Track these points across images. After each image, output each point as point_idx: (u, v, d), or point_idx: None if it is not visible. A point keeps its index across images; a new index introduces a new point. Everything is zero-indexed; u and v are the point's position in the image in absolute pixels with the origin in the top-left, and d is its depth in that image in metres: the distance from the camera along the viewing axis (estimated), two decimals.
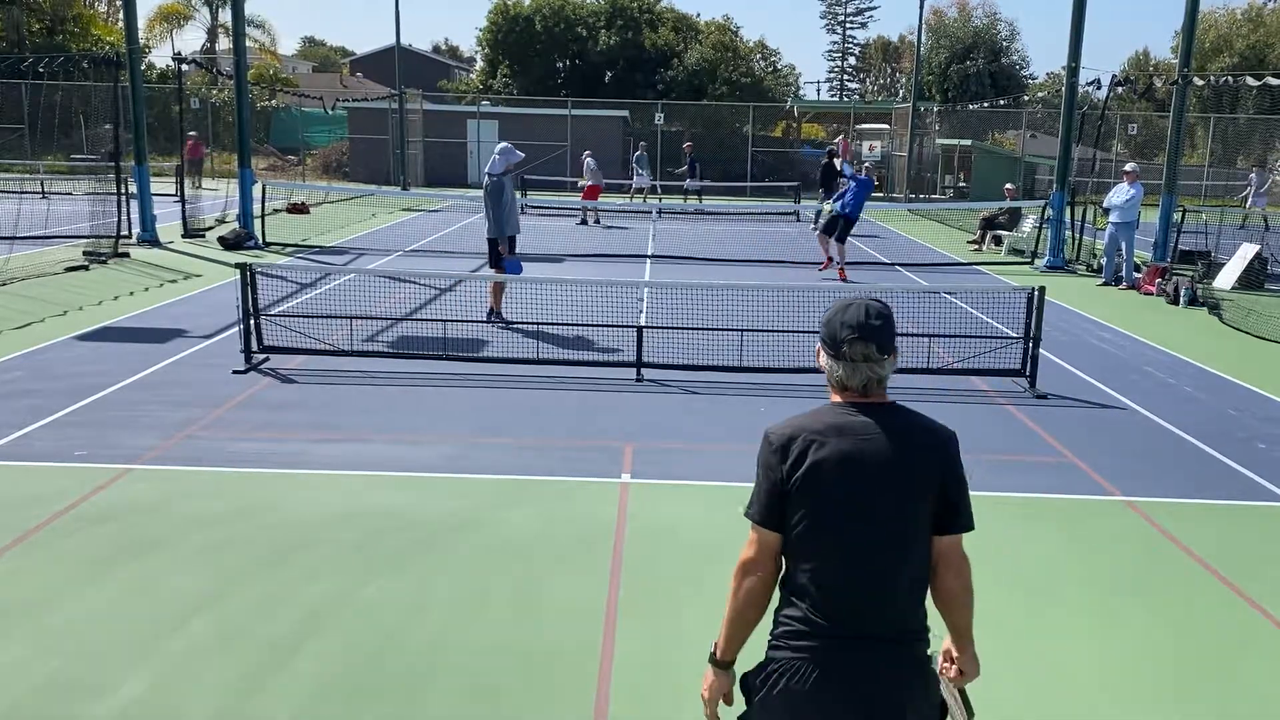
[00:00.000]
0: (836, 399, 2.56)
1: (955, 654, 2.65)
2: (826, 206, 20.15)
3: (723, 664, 2.56)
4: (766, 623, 2.57)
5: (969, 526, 2.52)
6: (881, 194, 35.70)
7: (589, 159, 24.56)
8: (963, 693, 2.68)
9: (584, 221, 23.96)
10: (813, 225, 22.18)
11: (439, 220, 24.10)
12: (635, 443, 7.37)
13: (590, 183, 23.87)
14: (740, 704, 2.59)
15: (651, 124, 37.81)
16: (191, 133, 23.06)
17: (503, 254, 11.11)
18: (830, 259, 15.41)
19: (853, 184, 15.56)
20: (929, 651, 2.55)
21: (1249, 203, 26.22)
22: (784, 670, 2.44)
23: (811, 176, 41.29)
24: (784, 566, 2.52)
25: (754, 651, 2.57)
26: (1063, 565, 5.53)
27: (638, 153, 31.68)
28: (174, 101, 24.10)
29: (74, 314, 11.38)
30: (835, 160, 21.35)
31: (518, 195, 11.77)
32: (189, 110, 24.37)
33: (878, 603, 2.43)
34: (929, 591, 2.54)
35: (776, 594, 2.55)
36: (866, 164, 16.81)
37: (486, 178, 11.24)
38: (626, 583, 5.13)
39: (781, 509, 2.45)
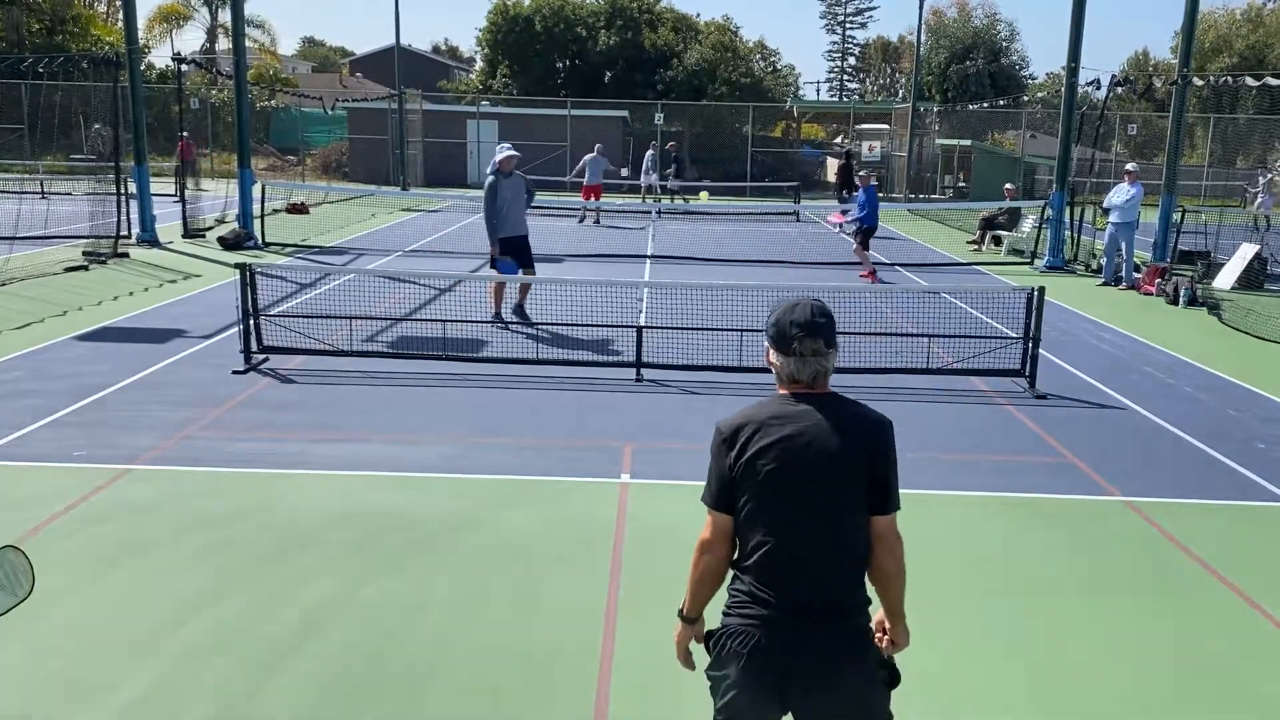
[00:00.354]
0: (783, 391, 2.76)
1: (888, 626, 2.80)
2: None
3: (688, 620, 2.86)
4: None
5: (897, 506, 2.70)
6: (882, 194, 35.68)
7: (593, 157, 23.96)
8: (891, 662, 2.81)
9: (583, 220, 23.88)
10: (838, 228, 22.11)
11: (438, 220, 24.10)
12: (635, 443, 7.37)
13: (591, 182, 23.57)
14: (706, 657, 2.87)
15: (651, 124, 37.82)
16: (183, 133, 22.95)
17: (493, 256, 11.12)
18: (872, 270, 15.89)
19: (861, 195, 16.04)
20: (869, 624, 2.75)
21: (1257, 204, 26.16)
22: (733, 634, 2.67)
23: (813, 176, 41.41)
24: (736, 544, 2.74)
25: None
26: (1063, 565, 5.53)
27: (650, 152, 31.83)
28: (174, 102, 24.09)
29: (74, 314, 11.38)
30: (853, 160, 21.71)
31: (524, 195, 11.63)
32: (189, 110, 24.36)
33: (814, 578, 2.62)
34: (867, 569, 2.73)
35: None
36: (862, 173, 16.75)
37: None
38: (626, 583, 5.13)
39: (731, 493, 2.69)
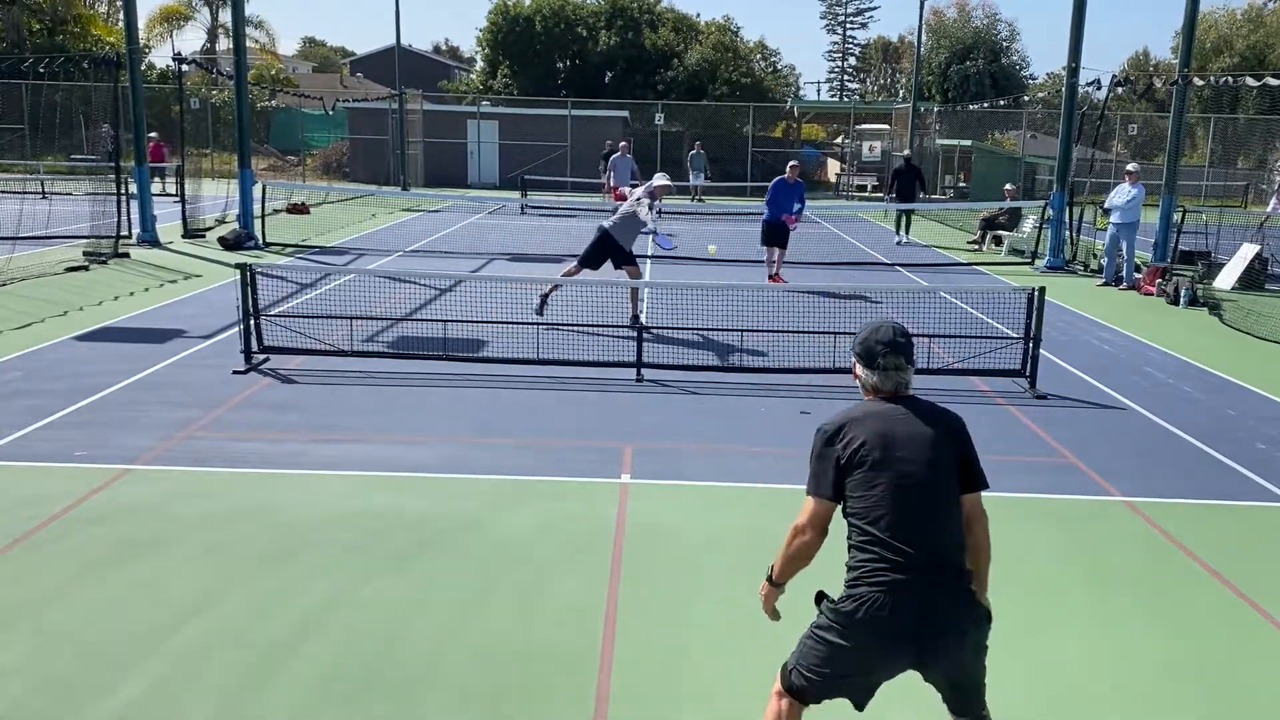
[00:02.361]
0: (869, 397, 3.25)
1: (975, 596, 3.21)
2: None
3: (778, 584, 3.31)
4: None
5: (985, 484, 3.23)
6: (881, 194, 35.69)
7: (617, 159, 23.24)
8: None
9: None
10: (900, 240, 21.14)
11: (439, 220, 24.10)
12: (635, 443, 7.37)
13: (620, 184, 22.63)
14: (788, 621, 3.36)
15: (652, 124, 37.83)
16: (152, 134, 22.80)
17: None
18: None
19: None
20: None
21: (1270, 207, 26.10)
22: (865, 601, 3.00)
23: (816, 176, 41.39)
24: (849, 528, 3.11)
25: None
26: (1063, 565, 5.53)
27: (693, 151, 32.22)
28: (174, 102, 24.09)
29: (74, 314, 11.38)
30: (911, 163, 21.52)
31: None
32: (189, 110, 24.31)
33: (930, 546, 3.02)
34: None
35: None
36: (793, 163, 15.32)
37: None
38: (626, 583, 5.13)
39: (838, 481, 3.09)
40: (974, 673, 3.16)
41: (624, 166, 23.12)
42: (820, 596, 3.17)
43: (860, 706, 3.20)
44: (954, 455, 3.13)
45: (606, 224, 11.51)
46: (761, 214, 15.06)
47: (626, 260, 11.49)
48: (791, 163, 15.33)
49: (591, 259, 11.46)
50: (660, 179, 12.08)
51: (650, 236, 11.86)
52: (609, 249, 11.38)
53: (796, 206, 14.55)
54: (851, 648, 3.04)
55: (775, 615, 3.37)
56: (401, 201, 28.28)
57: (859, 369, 3.29)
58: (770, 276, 14.58)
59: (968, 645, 3.10)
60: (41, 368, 9.03)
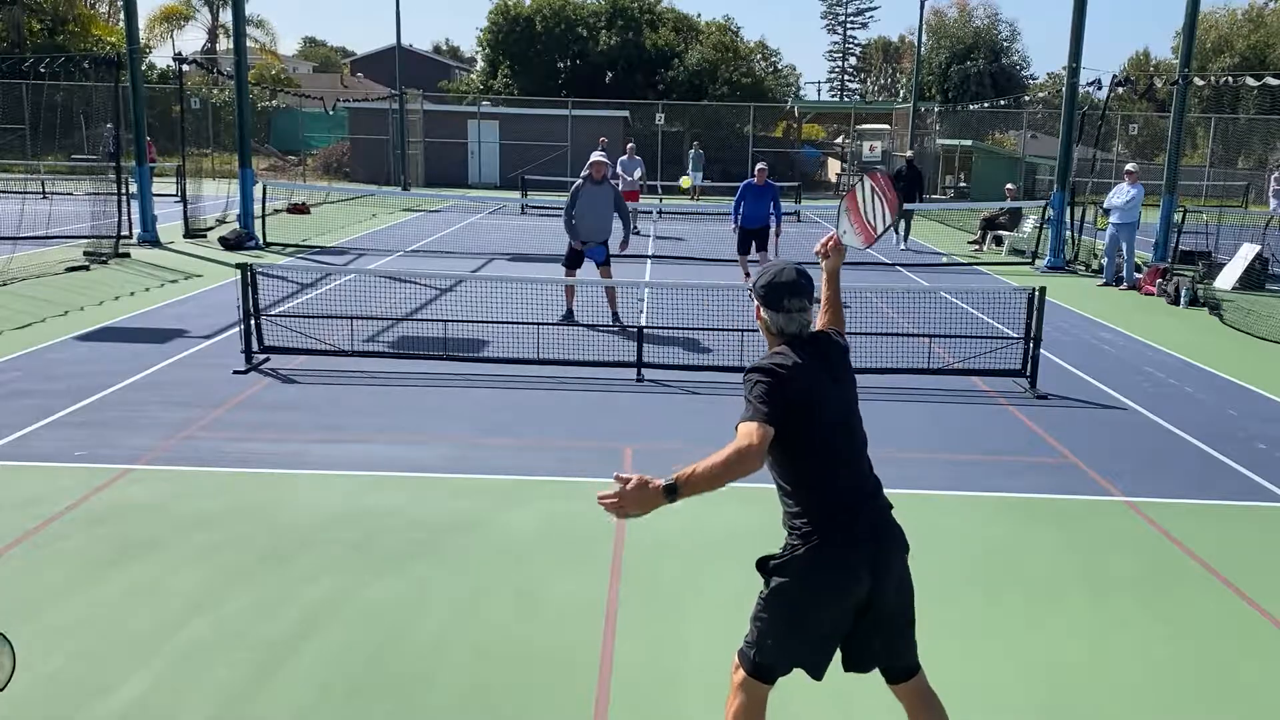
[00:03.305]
0: (780, 345, 3.25)
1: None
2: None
3: (673, 497, 3.04)
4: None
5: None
6: None
7: (625, 159, 22.48)
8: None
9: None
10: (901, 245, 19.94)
11: (439, 220, 24.10)
12: (635, 443, 7.37)
13: (627, 187, 21.66)
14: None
15: (652, 124, 37.84)
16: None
17: (572, 247, 11.46)
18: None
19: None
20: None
21: (1272, 206, 26.10)
22: (818, 543, 3.05)
23: (817, 177, 41.39)
24: (785, 484, 3.17)
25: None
26: (1063, 565, 5.52)
27: (691, 151, 32.35)
28: (174, 102, 24.09)
29: (74, 314, 11.38)
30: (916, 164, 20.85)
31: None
32: (189, 110, 24.31)
33: (863, 471, 3.18)
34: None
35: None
36: (761, 166, 14.17)
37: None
38: (626, 583, 5.13)
39: (782, 419, 3.02)
40: (908, 606, 3.21)
41: (630, 168, 22.59)
42: (764, 561, 3.17)
43: (819, 672, 3.16)
44: (854, 385, 3.31)
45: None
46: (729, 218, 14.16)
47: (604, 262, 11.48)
48: (759, 165, 14.33)
49: (569, 261, 11.56)
50: (596, 155, 11.51)
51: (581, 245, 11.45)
52: (574, 249, 11.42)
53: (772, 217, 13.76)
54: (811, 593, 3.06)
55: (624, 515, 3.14)
56: (402, 201, 28.28)
57: (763, 312, 3.29)
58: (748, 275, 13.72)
59: (903, 568, 3.18)
60: (42, 367, 9.03)
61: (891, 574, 3.12)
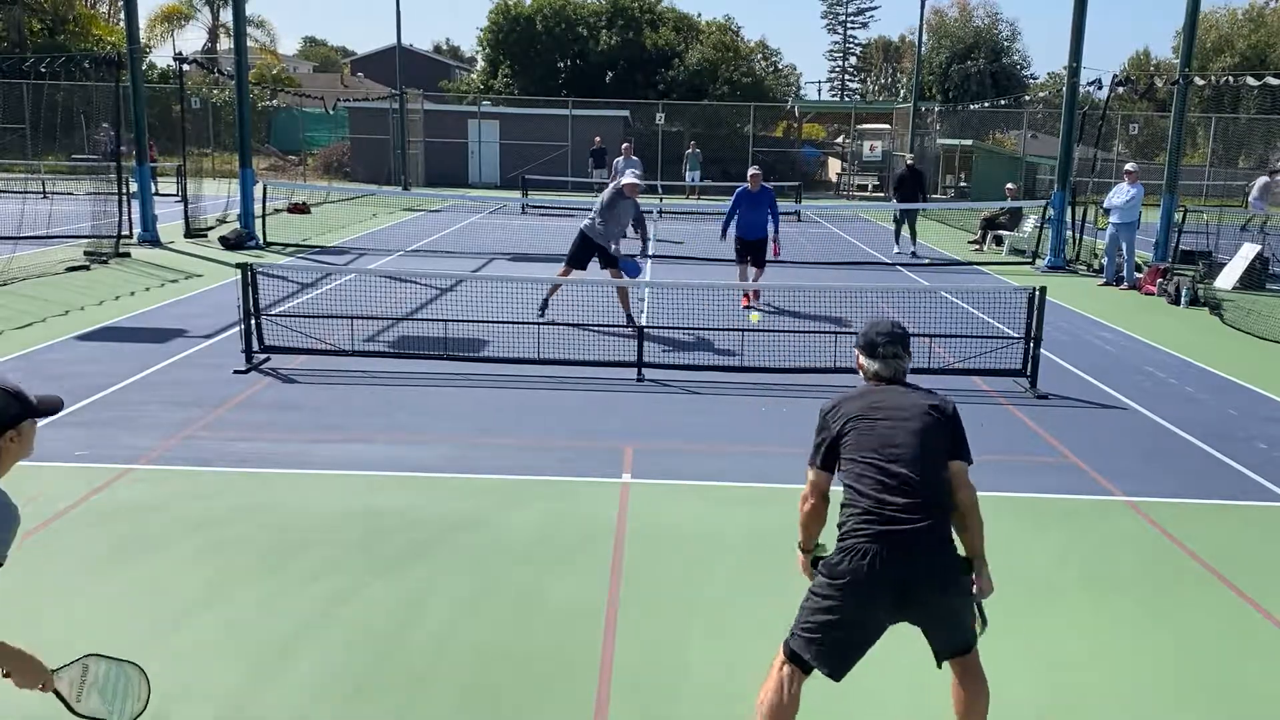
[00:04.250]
0: (862, 387, 3.59)
1: (975, 574, 3.48)
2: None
3: (805, 550, 3.58)
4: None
5: (970, 459, 3.50)
6: (882, 194, 35.70)
7: (620, 161, 21.92)
8: (979, 606, 3.49)
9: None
10: (899, 250, 18.98)
11: (440, 220, 24.11)
12: (636, 443, 7.37)
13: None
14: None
15: (653, 124, 37.84)
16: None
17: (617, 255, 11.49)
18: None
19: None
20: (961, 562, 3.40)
21: (1250, 206, 26.16)
22: (851, 552, 3.28)
23: (817, 177, 41.38)
24: (845, 484, 3.40)
25: None
26: (1063, 565, 5.52)
27: (689, 151, 32.28)
28: (175, 101, 24.09)
29: (75, 314, 11.38)
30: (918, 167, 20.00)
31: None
32: (190, 110, 24.31)
33: (910, 500, 3.28)
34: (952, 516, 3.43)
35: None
36: (754, 170, 13.04)
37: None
38: (627, 583, 5.13)
39: (830, 454, 3.46)
40: (955, 610, 3.39)
41: (627, 169, 22.69)
42: (817, 560, 3.47)
43: (838, 674, 3.34)
44: (940, 428, 3.43)
45: (584, 224, 11.51)
46: (721, 226, 13.01)
47: (609, 262, 11.46)
48: (752, 170, 12.98)
49: (575, 259, 11.53)
50: (629, 176, 11.40)
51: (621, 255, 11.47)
52: (591, 249, 11.40)
53: (770, 226, 12.55)
54: (839, 598, 3.28)
55: (813, 575, 3.52)
56: (402, 201, 28.28)
57: (862, 359, 3.66)
58: (745, 295, 12.42)
59: (942, 590, 3.31)
60: (43, 367, 9.03)
61: (925, 601, 3.31)
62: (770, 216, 12.61)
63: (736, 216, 12.59)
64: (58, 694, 2.87)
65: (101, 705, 2.89)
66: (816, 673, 3.38)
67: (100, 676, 2.94)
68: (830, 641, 3.31)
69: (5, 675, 2.76)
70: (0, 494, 2.71)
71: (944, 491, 3.38)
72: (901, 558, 3.24)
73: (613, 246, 11.46)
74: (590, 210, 11.58)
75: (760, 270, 12.77)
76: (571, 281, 11.36)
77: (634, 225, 11.69)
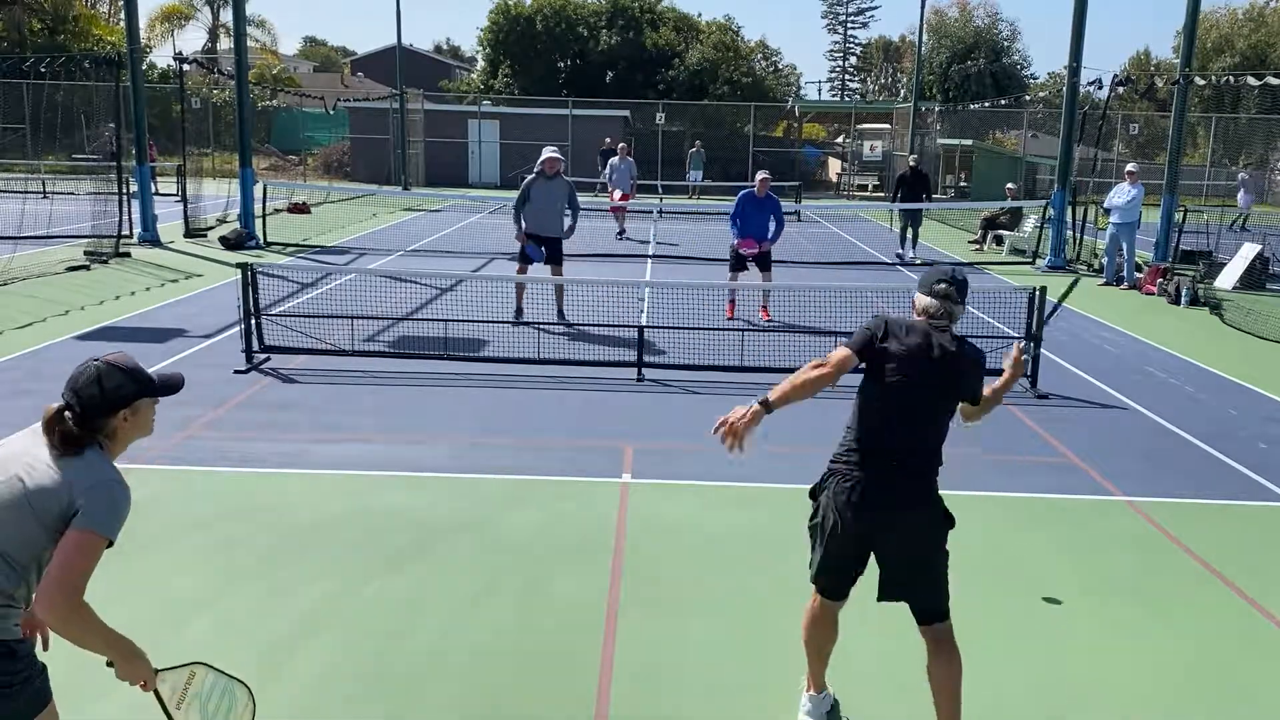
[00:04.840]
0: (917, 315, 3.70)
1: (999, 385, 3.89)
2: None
3: (769, 408, 3.49)
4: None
5: (979, 401, 3.78)
6: (882, 194, 35.70)
7: (615, 162, 21.06)
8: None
9: (621, 233, 20.61)
10: (903, 254, 18.45)
11: (440, 220, 24.10)
12: (636, 443, 7.37)
13: (621, 190, 20.67)
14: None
15: (653, 124, 37.83)
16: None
17: (519, 239, 11.30)
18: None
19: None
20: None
21: (1239, 203, 26.24)
22: (837, 475, 3.57)
23: (818, 177, 41.37)
24: (855, 405, 3.63)
25: None
26: (1063, 565, 5.52)
27: (693, 150, 32.20)
28: (175, 101, 24.09)
29: (75, 314, 11.38)
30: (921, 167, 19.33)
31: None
32: (190, 110, 24.32)
33: (905, 441, 3.53)
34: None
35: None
36: (763, 175, 12.16)
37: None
38: (627, 583, 5.13)
39: (864, 352, 3.57)
40: (930, 555, 3.58)
41: (624, 170, 20.96)
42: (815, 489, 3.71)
43: (831, 594, 3.72)
44: (960, 381, 3.64)
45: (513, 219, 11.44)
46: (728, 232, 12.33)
47: (552, 255, 11.36)
48: (761, 175, 12.20)
49: (521, 255, 11.40)
50: (547, 151, 11.26)
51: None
52: (534, 241, 11.24)
53: (772, 228, 11.95)
54: (828, 520, 3.57)
55: (738, 440, 3.47)
56: (402, 201, 28.28)
57: (919, 297, 3.74)
58: (731, 304, 12.02)
59: (922, 525, 3.54)
60: (43, 367, 9.03)
61: (894, 529, 3.54)
62: (774, 226, 11.99)
63: (740, 221, 11.97)
64: (157, 695, 2.77)
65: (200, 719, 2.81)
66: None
67: (206, 688, 2.84)
68: (825, 564, 3.66)
69: (109, 664, 2.71)
70: (115, 474, 2.67)
71: (939, 441, 3.65)
72: (883, 487, 3.49)
73: (562, 236, 11.31)
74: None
75: (767, 272, 12.12)
76: (572, 282, 11.36)
77: (568, 207, 11.36)
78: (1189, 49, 16.95)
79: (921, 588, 3.59)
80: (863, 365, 3.59)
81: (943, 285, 3.67)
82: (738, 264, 12.08)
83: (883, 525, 3.53)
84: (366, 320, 10.54)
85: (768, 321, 11.43)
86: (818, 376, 3.51)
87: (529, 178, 11.29)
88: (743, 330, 10.08)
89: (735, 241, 11.93)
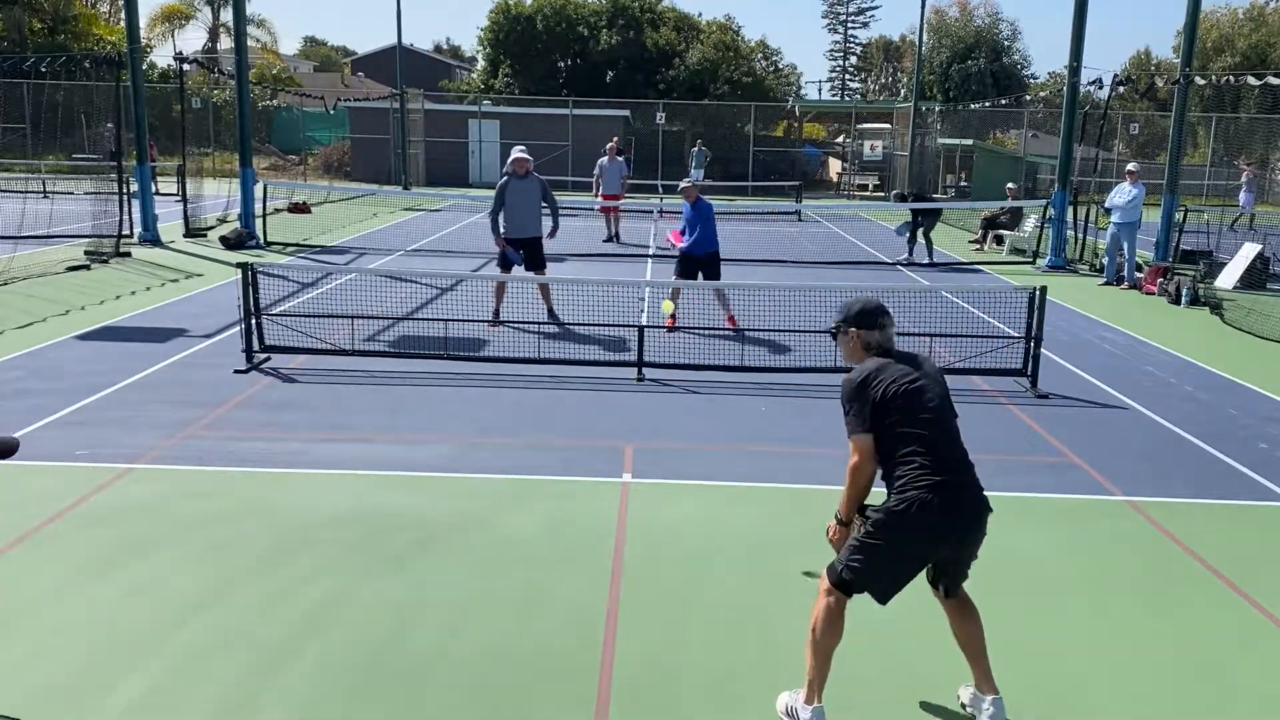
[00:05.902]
0: (871, 356, 3.96)
1: None
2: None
3: (847, 522, 3.92)
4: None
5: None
6: (883, 194, 35.69)
7: (605, 162, 20.17)
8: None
9: (611, 238, 19.91)
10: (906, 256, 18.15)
11: (440, 220, 24.11)
12: (636, 443, 7.36)
13: (609, 191, 20.03)
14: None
15: (653, 124, 37.82)
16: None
17: (499, 245, 11.23)
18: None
19: (689, 210, 11.48)
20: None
21: (1241, 203, 26.23)
22: (915, 501, 3.70)
23: (818, 176, 41.34)
24: (890, 452, 3.78)
25: None
26: (1063, 565, 5.52)
27: (694, 148, 32.05)
28: (175, 101, 24.09)
29: (75, 313, 11.38)
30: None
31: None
32: (190, 110, 24.31)
33: (955, 454, 3.82)
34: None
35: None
36: (685, 184, 11.61)
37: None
38: (627, 583, 5.13)
39: (874, 418, 3.79)
40: (972, 556, 3.94)
41: (614, 172, 20.04)
42: (863, 508, 3.86)
43: (886, 599, 3.85)
44: (947, 389, 3.96)
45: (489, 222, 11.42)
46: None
47: (533, 260, 11.35)
48: (683, 184, 11.58)
49: (501, 260, 11.38)
50: (516, 151, 11.21)
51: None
52: (511, 245, 11.22)
53: (698, 227, 11.14)
54: (903, 540, 3.74)
55: (846, 536, 3.92)
56: (403, 201, 28.28)
57: (858, 333, 4.00)
58: (671, 318, 11.02)
59: (983, 530, 3.87)
60: (43, 367, 9.03)
61: (972, 539, 3.85)
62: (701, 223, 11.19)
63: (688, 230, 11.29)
64: None
65: None
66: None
67: None
68: (882, 576, 3.80)
69: None
70: None
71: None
72: (960, 504, 3.76)
73: (544, 237, 11.26)
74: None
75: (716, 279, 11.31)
76: (571, 282, 11.35)
77: (545, 205, 11.26)
78: (1189, 49, 16.94)
79: (965, 574, 3.96)
80: (887, 422, 3.79)
81: (885, 318, 4.00)
82: (683, 271, 11.35)
83: (961, 541, 3.84)
84: (367, 320, 10.54)
85: (734, 330, 10.73)
86: (866, 473, 3.82)
87: (502, 180, 11.25)
88: (742, 330, 10.08)
89: (668, 236, 11.74)
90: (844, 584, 3.84)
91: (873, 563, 3.78)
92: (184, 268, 15.05)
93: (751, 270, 16.14)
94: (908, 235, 18.17)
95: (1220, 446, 7.65)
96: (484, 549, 5.50)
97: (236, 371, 8.99)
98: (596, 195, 20.55)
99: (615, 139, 21.13)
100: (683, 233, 11.42)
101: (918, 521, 3.69)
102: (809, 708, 3.85)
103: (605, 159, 20.20)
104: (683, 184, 11.63)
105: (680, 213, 11.59)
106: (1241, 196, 26.88)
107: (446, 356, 9.52)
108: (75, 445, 6.95)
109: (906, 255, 18.22)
